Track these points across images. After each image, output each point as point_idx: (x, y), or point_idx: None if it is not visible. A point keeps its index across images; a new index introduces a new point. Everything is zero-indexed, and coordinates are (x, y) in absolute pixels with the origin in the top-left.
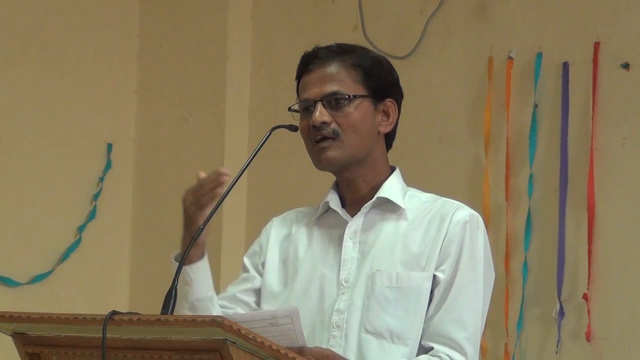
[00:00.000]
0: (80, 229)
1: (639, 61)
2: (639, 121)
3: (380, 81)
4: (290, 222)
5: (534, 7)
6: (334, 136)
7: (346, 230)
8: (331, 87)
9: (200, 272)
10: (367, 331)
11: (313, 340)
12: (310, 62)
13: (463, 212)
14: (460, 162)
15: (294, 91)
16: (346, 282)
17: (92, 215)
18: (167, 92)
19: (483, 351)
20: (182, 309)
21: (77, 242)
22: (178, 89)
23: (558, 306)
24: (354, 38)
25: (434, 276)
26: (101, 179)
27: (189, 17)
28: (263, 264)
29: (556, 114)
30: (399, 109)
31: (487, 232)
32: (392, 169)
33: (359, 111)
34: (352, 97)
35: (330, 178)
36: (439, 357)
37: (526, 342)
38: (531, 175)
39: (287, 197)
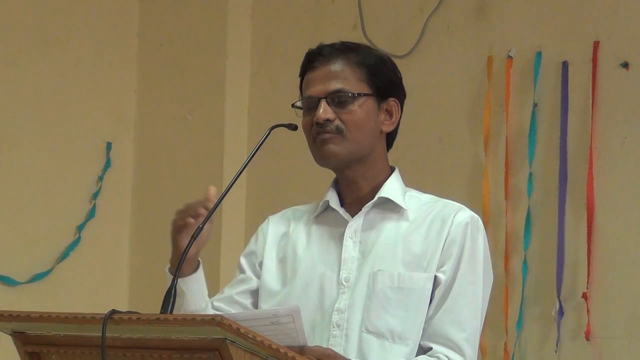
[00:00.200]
0: (80, 227)
1: (638, 60)
2: (638, 120)
3: (384, 80)
4: (288, 220)
5: (534, 6)
6: (338, 133)
7: (346, 229)
8: (335, 85)
9: (192, 285)
10: (368, 331)
11: (313, 339)
12: (314, 59)
13: (464, 214)
14: (460, 161)
15: (294, 90)
16: (347, 282)
17: (91, 214)
18: (166, 91)
19: (483, 350)
20: None
21: (77, 241)
22: (178, 88)
23: (557, 305)
24: (353, 37)
25: (435, 277)
26: (100, 178)
27: (188, 16)
28: (260, 264)
29: (555, 113)
30: (402, 109)
31: (487, 231)
32: (392, 169)
33: (362, 109)
34: (356, 95)
35: (330, 177)
36: (437, 357)
37: (526, 342)
38: (530, 175)
39: (286, 196)
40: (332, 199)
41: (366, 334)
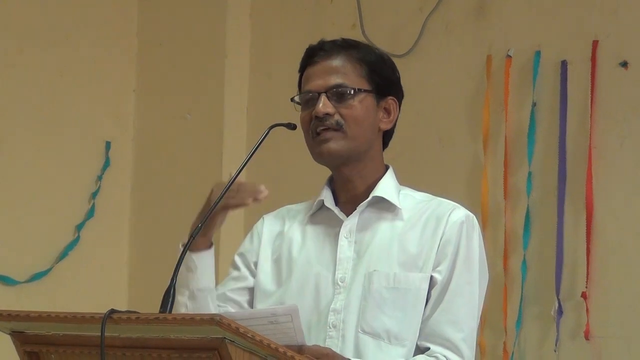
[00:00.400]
0: (79, 227)
1: (637, 59)
2: (637, 119)
3: (384, 78)
4: (282, 219)
5: (533, 6)
6: (337, 127)
7: (341, 229)
8: (336, 80)
9: (205, 261)
10: (364, 331)
11: (309, 340)
12: (315, 54)
13: (459, 213)
14: (459, 161)
15: (293, 89)
16: (342, 282)
17: (90, 213)
18: (165, 90)
19: (482, 350)
20: (182, 296)
21: (76, 241)
22: (177, 87)
23: (557, 305)
24: (352, 36)
25: (431, 277)
26: (100, 177)
27: (187, 15)
28: (255, 264)
29: (555, 112)
30: (399, 109)
31: (486, 230)
32: (386, 168)
33: (362, 105)
34: (356, 90)
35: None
36: (435, 357)
37: (525, 341)
38: (530, 174)
39: (285, 195)
40: (327, 198)
41: (362, 335)
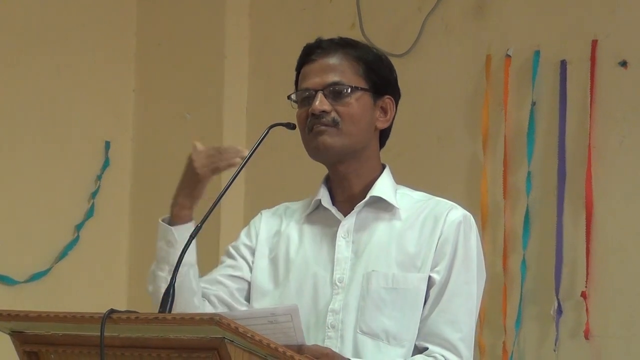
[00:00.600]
0: (78, 227)
1: (636, 59)
2: (636, 119)
3: (381, 77)
4: (280, 217)
5: (532, 5)
6: (333, 125)
7: (339, 229)
8: (333, 77)
9: (186, 234)
10: (362, 332)
11: (308, 340)
12: (312, 52)
13: (457, 213)
14: (458, 160)
15: (292, 89)
16: (340, 282)
17: (90, 213)
18: (165, 90)
19: (481, 349)
20: (161, 272)
21: (75, 241)
22: (176, 87)
23: (556, 304)
24: (351, 36)
25: (429, 277)
26: (99, 177)
27: (186, 15)
28: (252, 261)
29: (554, 111)
30: (396, 109)
31: (485, 230)
32: (383, 167)
33: (359, 103)
34: (353, 88)
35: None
36: (434, 357)
37: (524, 341)
38: (529, 173)
39: (284, 194)
40: (324, 197)
41: (361, 335)
